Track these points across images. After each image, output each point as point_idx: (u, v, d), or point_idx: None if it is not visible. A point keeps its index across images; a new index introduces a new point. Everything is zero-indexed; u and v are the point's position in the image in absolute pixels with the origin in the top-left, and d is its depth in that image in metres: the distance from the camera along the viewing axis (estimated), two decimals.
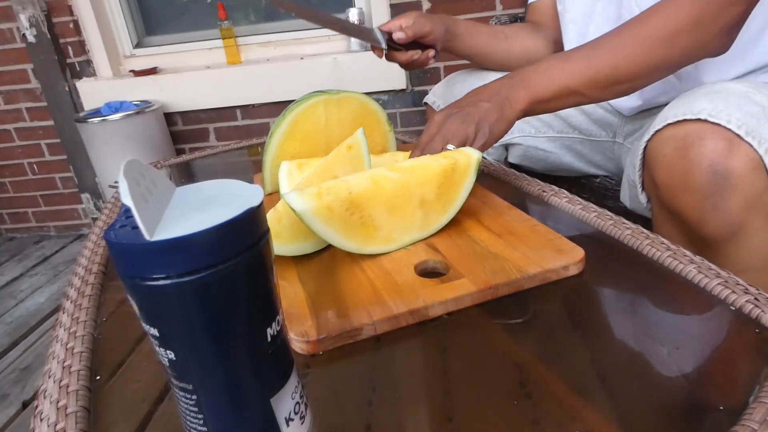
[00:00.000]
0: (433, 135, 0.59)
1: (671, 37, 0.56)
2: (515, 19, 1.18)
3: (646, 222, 0.57)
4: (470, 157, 0.54)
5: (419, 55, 0.82)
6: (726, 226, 0.51)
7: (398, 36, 0.79)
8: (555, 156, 0.90)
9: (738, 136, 0.49)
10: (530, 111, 0.61)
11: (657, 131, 0.54)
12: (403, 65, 0.83)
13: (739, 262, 0.53)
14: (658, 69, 0.57)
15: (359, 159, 0.60)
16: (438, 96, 0.94)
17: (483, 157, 0.74)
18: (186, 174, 0.99)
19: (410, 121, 1.85)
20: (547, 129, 0.89)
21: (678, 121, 0.52)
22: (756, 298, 0.39)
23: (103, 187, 1.85)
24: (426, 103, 0.97)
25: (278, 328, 0.25)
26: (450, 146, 0.57)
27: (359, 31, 0.83)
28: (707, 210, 0.51)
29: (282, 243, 0.50)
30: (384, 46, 0.80)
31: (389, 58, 0.83)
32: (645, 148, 0.57)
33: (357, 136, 0.61)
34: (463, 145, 0.57)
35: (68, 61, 1.86)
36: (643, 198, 0.62)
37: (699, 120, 0.50)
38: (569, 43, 0.83)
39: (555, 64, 0.60)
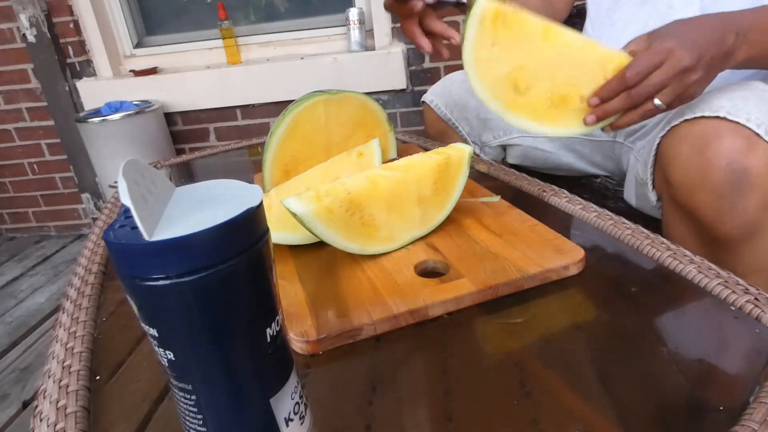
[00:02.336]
0: (654, 68, 0.51)
1: None
2: None
3: (646, 222, 0.57)
4: (463, 151, 0.55)
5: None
6: (742, 225, 0.50)
7: None
8: (554, 156, 0.90)
9: (757, 134, 0.48)
10: (735, 68, 0.56)
11: (673, 126, 0.54)
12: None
13: (754, 263, 0.52)
14: None
15: (369, 168, 0.60)
16: (436, 95, 0.94)
17: (475, 154, 0.73)
18: (186, 174, 0.99)
19: (410, 121, 1.85)
20: None
21: (695, 118, 0.52)
22: (756, 298, 0.39)
23: (103, 187, 1.85)
24: (424, 102, 0.97)
25: (278, 328, 0.25)
26: (659, 102, 0.52)
27: None
28: (723, 209, 0.50)
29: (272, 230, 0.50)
30: None
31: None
32: (658, 144, 0.57)
33: (371, 146, 0.60)
34: (672, 102, 0.52)
35: (68, 61, 1.86)
36: (653, 196, 0.61)
37: (717, 118, 0.50)
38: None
39: None
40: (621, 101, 0.53)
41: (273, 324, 0.25)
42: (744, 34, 0.53)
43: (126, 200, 0.20)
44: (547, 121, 0.56)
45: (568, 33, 0.55)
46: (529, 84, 0.54)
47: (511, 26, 0.52)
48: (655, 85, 0.51)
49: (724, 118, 0.49)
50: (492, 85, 0.54)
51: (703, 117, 0.51)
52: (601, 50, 0.54)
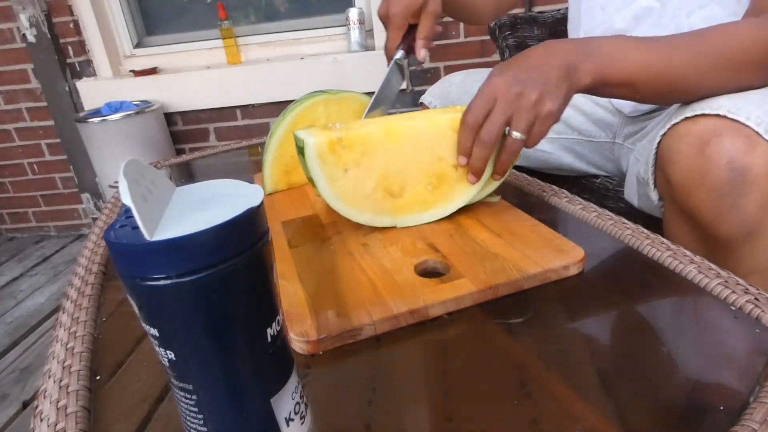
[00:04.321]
0: (488, 108, 0.51)
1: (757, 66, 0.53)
2: (515, 19, 1.18)
3: (647, 222, 0.57)
4: None
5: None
6: (742, 225, 0.50)
7: (422, 54, 0.78)
8: (554, 157, 0.90)
9: (757, 133, 0.48)
10: (592, 90, 0.54)
11: (673, 125, 0.54)
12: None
13: (753, 263, 0.52)
14: (720, 91, 0.53)
15: None
16: (435, 96, 0.94)
17: None
18: (186, 174, 0.99)
19: None
20: None
21: (695, 116, 0.51)
22: (756, 298, 0.39)
23: (103, 187, 1.85)
24: (422, 103, 0.97)
25: (278, 328, 0.25)
26: (516, 134, 0.51)
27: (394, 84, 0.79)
28: (723, 209, 0.50)
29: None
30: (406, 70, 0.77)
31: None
32: (659, 143, 0.56)
33: None
34: (530, 129, 0.51)
35: (68, 61, 1.86)
36: (654, 196, 0.61)
37: (717, 116, 0.50)
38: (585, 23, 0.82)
39: (632, 46, 0.54)
40: (478, 148, 0.52)
41: (273, 324, 0.25)
42: (585, 50, 0.53)
43: (127, 200, 0.20)
44: (441, 202, 0.55)
45: (407, 119, 0.54)
46: (401, 184, 0.54)
47: (351, 146, 0.52)
48: (498, 121, 0.50)
49: (725, 117, 0.49)
50: (368, 205, 0.53)
51: (703, 115, 0.51)
52: (447, 115, 0.54)
